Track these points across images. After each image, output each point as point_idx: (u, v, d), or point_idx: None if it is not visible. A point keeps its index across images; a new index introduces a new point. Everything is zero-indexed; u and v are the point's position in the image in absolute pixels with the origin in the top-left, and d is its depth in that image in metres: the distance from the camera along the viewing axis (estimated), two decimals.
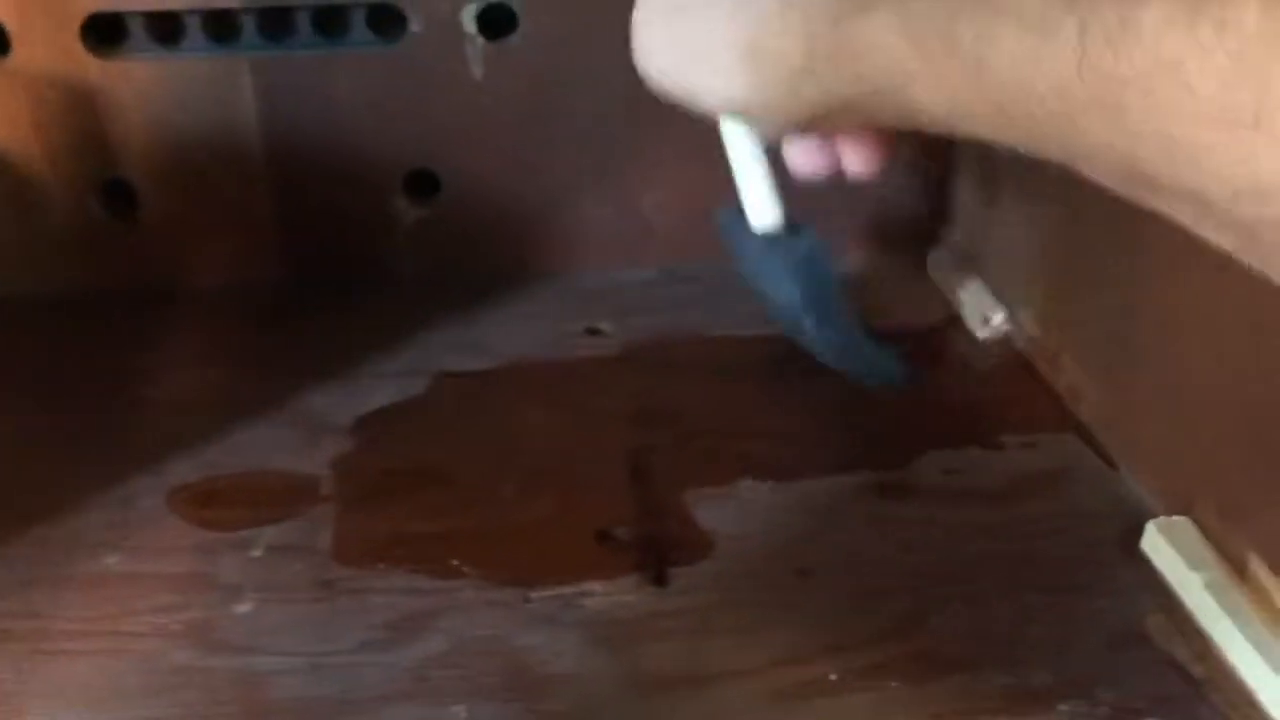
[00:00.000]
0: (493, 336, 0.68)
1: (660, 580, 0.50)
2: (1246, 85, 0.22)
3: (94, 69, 0.65)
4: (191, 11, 0.65)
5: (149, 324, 0.69)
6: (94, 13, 0.64)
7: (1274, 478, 0.46)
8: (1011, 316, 0.67)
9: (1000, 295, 0.68)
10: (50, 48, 0.64)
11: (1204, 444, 0.50)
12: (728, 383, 0.64)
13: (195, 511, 0.54)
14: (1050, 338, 0.64)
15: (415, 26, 0.66)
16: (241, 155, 0.68)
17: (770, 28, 0.35)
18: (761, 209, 0.46)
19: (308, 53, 0.67)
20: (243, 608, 0.48)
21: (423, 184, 0.71)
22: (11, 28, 0.63)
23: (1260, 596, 0.46)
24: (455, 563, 0.51)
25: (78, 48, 0.64)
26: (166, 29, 0.66)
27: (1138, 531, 0.51)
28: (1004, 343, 0.67)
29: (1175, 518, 0.51)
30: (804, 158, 0.42)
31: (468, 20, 0.66)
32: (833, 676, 0.45)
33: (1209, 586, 0.47)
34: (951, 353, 0.67)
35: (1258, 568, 0.46)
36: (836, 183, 0.43)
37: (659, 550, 0.52)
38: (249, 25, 0.66)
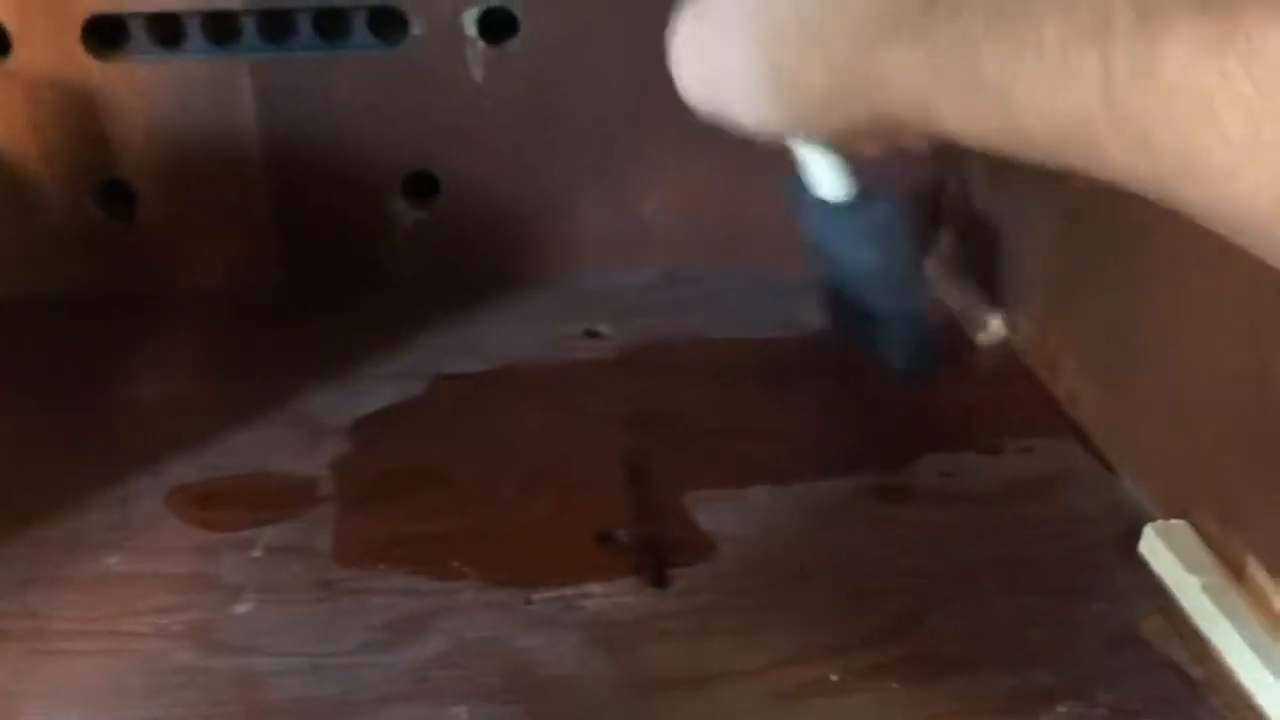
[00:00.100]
0: (491, 338, 0.68)
1: (660, 582, 0.50)
2: (1272, 112, 0.22)
3: (94, 70, 0.65)
4: (192, 13, 0.65)
5: (148, 325, 0.69)
6: (95, 14, 0.64)
7: (1272, 481, 0.46)
8: (1009, 320, 0.67)
9: (998, 299, 0.68)
10: (51, 49, 0.64)
11: (1202, 448, 0.51)
12: (726, 385, 0.65)
13: (195, 512, 0.54)
14: (1048, 342, 0.64)
15: (416, 29, 0.66)
16: (241, 157, 0.68)
17: (795, 59, 0.36)
18: (830, 182, 0.46)
19: (308, 54, 0.67)
20: (243, 608, 0.49)
21: (422, 186, 0.71)
22: (12, 29, 0.63)
23: (1258, 599, 0.46)
24: (455, 564, 0.51)
25: (78, 49, 0.64)
26: (167, 31, 0.66)
27: (1135, 535, 0.52)
28: (1002, 347, 0.67)
29: (1173, 521, 0.51)
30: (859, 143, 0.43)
31: (469, 23, 0.66)
32: (833, 677, 0.45)
33: (1207, 589, 0.47)
34: (950, 356, 0.67)
35: (1255, 571, 0.46)
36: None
37: (658, 552, 0.52)
38: (249, 27, 0.66)
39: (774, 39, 0.37)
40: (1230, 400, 0.49)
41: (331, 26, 0.67)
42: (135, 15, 0.65)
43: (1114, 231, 0.57)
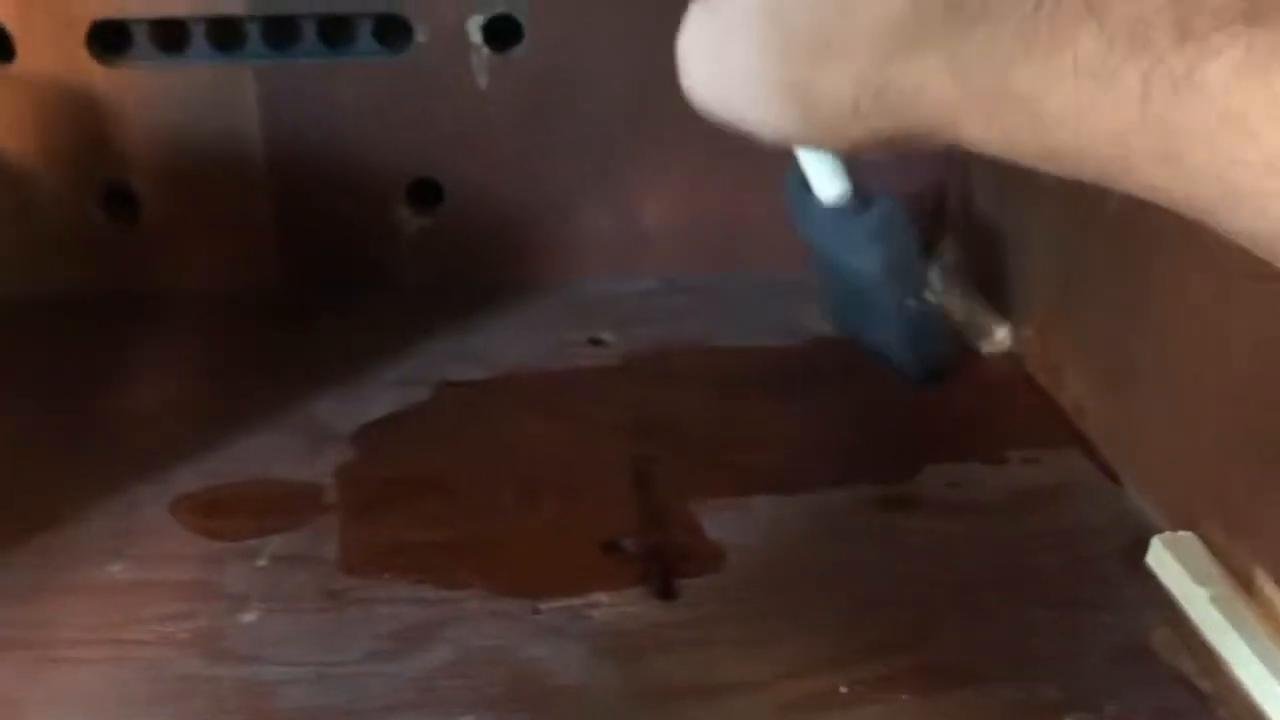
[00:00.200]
0: (495, 345, 0.68)
1: (667, 594, 0.50)
2: None
3: (98, 75, 0.65)
4: (196, 19, 0.65)
5: (150, 329, 0.69)
6: (99, 20, 0.64)
7: (1279, 492, 0.46)
8: (1014, 331, 0.67)
9: (1003, 309, 0.68)
10: (55, 54, 0.64)
11: (1209, 459, 0.50)
12: (729, 393, 0.64)
13: (199, 520, 0.54)
14: (1053, 352, 0.64)
15: (421, 36, 0.66)
16: (245, 162, 0.68)
17: (816, 68, 0.34)
18: (831, 185, 0.46)
19: (312, 61, 0.67)
20: (248, 617, 0.48)
21: (426, 193, 0.71)
22: (16, 33, 0.63)
23: (1267, 611, 0.46)
24: (461, 573, 0.51)
25: (82, 54, 0.64)
26: (171, 36, 0.66)
27: (1142, 546, 0.51)
28: (1006, 356, 0.67)
29: (1180, 533, 0.51)
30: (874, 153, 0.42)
31: (473, 30, 0.66)
32: (842, 689, 0.45)
33: (1215, 601, 0.47)
34: (955, 367, 0.67)
35: (1264, 582, 0.46)
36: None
37: (665, 561, 0.52)
38: (254, 34, 0.66)
39: (790, 46, 0.35)
40: (1236, 411, 0.49)
41: (336, 33, 0.67)
42: (139, 21, 0.65)
43: (1119, 241, 0.57)
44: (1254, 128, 0.22)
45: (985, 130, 0.29)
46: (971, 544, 0.53)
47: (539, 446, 0.60)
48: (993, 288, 0.70)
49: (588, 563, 0.52)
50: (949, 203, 0.74)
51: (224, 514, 0.54)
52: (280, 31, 0.66)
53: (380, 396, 0.63)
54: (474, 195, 0.71)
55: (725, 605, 0.50)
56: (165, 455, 0.57)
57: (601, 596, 0.50)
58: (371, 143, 0.69)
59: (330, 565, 0.51)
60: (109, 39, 0.65)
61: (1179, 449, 0.53)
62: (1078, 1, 0.26)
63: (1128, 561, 0.52)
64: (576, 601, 0.49)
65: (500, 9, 0.66)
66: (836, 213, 0.47)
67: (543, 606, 0.49)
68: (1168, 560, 0.50)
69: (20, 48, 0.64)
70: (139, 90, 0.66)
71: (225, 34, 0.66)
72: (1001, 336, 0.67)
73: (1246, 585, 0.47)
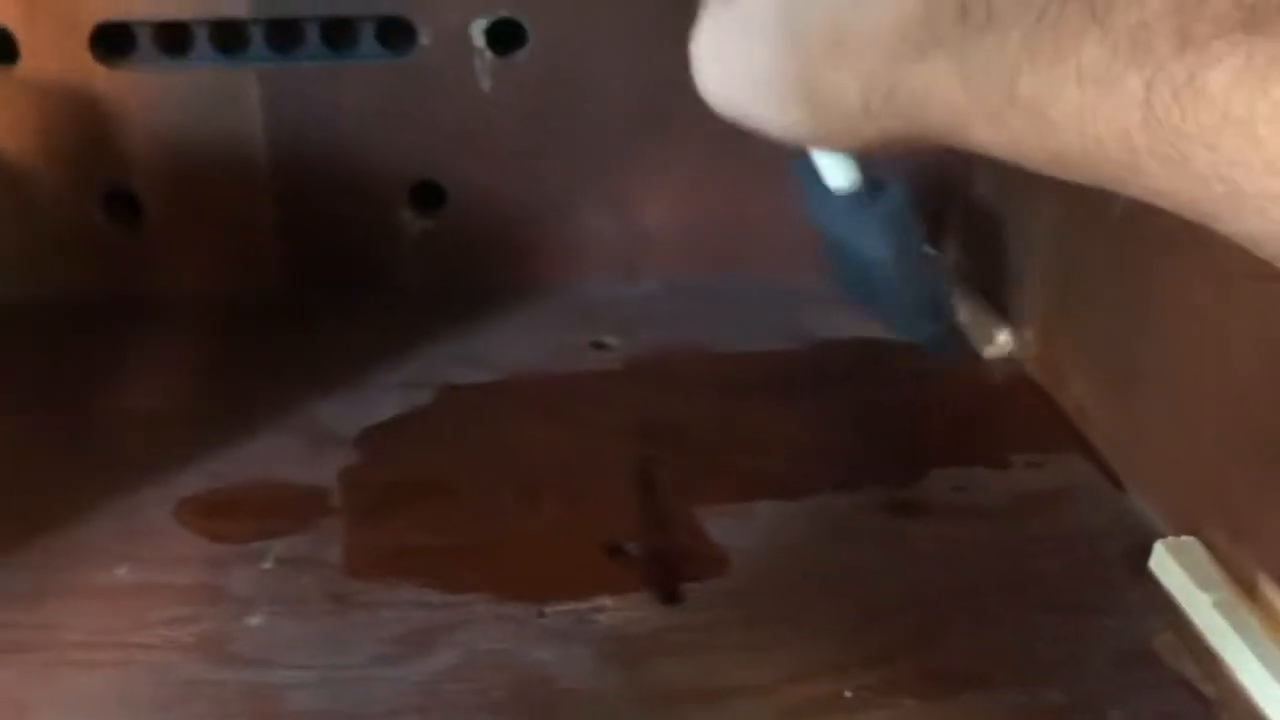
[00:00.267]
0: (498, 348, 0.68)
1: (672, 598, 0.50)
2: None
3: (101, 78, 0.65)
4: (200, 22, 0.65)
5: (152, 331, 0.69)
6: (102, 22, 0.64)
7: None
8: (1016, 334, 0.67)
9: (1006, 313, 0.68)
10: (59, 56, 0.64)
11: (1212, 463, 0.51)
12: (733, 397, 0.64)
13: (203, 523, 0.54)
14: (1056, 356, 0.64)
15: (424, 39, 0.66)
16: (248, 165, 0.68)
17: (826, 68, 0.34)
18: (839, 172, 0.46)
19: (316, 64, 0.67)
20: (254, 620, 0.48)
21: (428, 195, 0.71)
22: (20, 35, 0.63)
23: (1270, 616, 0.46)
24: (466, 576, 0.51)
25: (86, 57, 0.64)
26: (175, 39, 0.66)
27: (1145, 551, 0.52)
28: (1010, 361, 0.67)
29: (1184, 537, 0.51)
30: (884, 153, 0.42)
31: (477, 34, 0.66)
32: (847, 693, 0.45)
33: (1218, 606, 0.47)
34: (957, 370, 0.67)
35: (1267, 587, 0.46)
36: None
37: (669, 565, 0.52)
38: (257, 37, 0.66)
39: (803, 45, 0.35)
40: (1238, 413, 0.49)
41: (339, 36, 0.67)
42: (143, 23, 0.65)
43: (1120, 243, 0.57)
44: (1256, 132, 0.22)
45: (992, 135, 0.29)
46: (975, 548, 0.54)
47: (542, 449, 0.60)
48: (995, 291, 0.70)
49: (592, 566, 0.52)
50: (950, 205, 0.74)
51: (227, 516, 0.54)
52: (283, 34, 0.66)
53: (383, 399, 0.63)
54: (476, 198, 0.71)
55: (729, 609, 0.50)
56: (168, 457, 0.57)
57: (606, 600, 0.50)
58: (374, 145, 0.69)
59: (335, 568, 0.51)
60: (112, 41, 0.65)
61: (1181, 451, 0.53)
62: (1081, 9, 0.26)
63: (1130, 565, 0.52)
64: (581, 605, 0.49)
65: (503, 12, 0.66)
66: (846, 199, 0.47)
67: (548, 610, 0.49)
68: (1171, 565, 0.50)
69: (24, 49, 0.64)
70: (142, 92, 0.66)
71: (228, 36, 0.66)
72: (1003, 339, 0.67)
73: (1249, 590, 0.47)
